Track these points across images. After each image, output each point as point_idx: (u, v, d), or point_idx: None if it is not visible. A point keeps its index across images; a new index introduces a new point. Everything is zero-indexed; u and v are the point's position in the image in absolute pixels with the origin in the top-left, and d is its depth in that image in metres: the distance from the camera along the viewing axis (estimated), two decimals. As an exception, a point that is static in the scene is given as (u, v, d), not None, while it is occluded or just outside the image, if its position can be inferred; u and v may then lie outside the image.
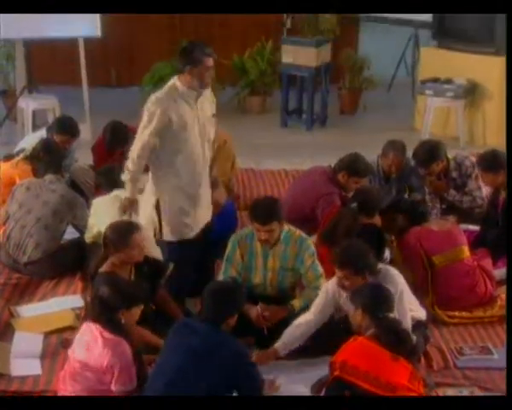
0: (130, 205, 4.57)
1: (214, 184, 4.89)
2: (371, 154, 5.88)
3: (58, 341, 4.44)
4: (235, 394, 3.61)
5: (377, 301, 3.79)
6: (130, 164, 4.50)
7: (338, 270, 4.11)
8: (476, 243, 5.24)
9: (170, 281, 4.59)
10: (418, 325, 4.27)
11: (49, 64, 9.33)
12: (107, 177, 5.28)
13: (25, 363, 4.22)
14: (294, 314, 4.32)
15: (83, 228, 5.22)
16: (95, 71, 8.69)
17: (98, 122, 7.01)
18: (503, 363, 3.96)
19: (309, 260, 4.48)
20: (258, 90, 9.32)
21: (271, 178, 7.01)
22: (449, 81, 7.99)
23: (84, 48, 7.94)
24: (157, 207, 4.59)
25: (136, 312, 3.87)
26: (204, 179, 4.69)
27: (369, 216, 4.87)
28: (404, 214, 4.96)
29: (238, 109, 9.32)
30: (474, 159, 5.83)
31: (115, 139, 6.15)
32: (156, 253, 4.66)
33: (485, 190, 5.75)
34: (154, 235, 4.80)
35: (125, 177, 4.53)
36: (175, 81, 4.50)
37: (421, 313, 4.40)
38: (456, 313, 4.71)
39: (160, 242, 4.71)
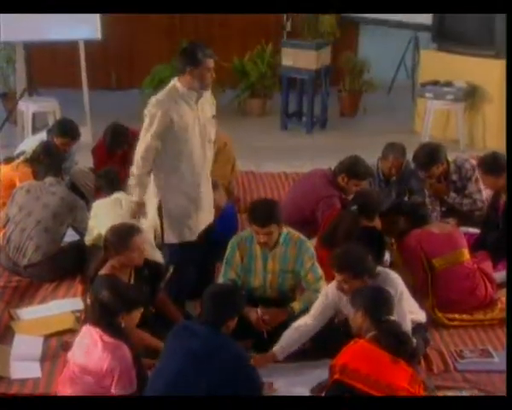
0: (139, 209, 4.57)
1: (214, 187, 4.90)
2: (371, 156, 5.88)
3: (58, 344, 4.43)
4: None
5: (378, 303, 3.78)
6: (134, 168, 4.49)
7: (337, 273, 4.11)
8: (476, 245, 5.23)
9: (170, 284, 4.59)
10: (418, 327, 4.27)
11: (49, 67, 9.33)
12: (108, 179, 5.29)
13: (25, 366, 4.21)
14: (294, 317, 4.32)
15: (83, 231, 5.22)
16: (95, 73, 8.70)
17: (98, 125, 7.01)
18: (504, 366, 3.94)
19: (309, 263, 4.48)
20: (258, 92, 9.33)
21: (271, 180, 7.02)
22: (449, 84, 8.00)
23: (84, 50, 7.95)
24: (159, 209, 4.59)
25: (136, 315, 3.87)
26: (205, 181, 4.69)
27: (369, 219, 4.87)
28: (406, 217, 4.96)
29: (238, 112, 9.33)
30: (474, 162, 5.83)
31: (116, 141, 6.16)
32: (157, 256, 4.67)
33: (486, 193, 5.75)
34: (155, 237, 4.81)
35: (131, 182, 4.54)
36: (175, 82, 4.50)
37: (421, 316, 4.40)
38: (457, 316, 4.70)
39: (161, 244, 4.71)
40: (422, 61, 8.76)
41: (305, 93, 8.75)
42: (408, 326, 4.05)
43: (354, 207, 4.88)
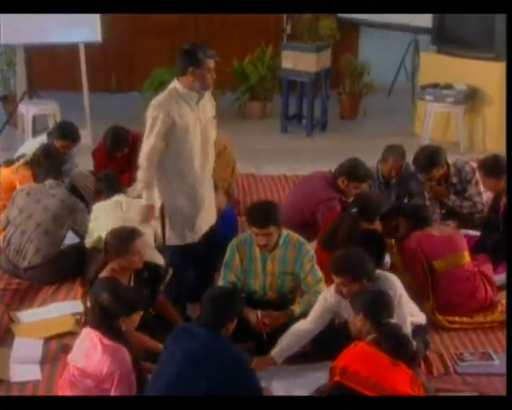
0: (150, 211, 4.55)
1: (214, 190, 4.89)
2: (371, 159, 5.88)
3: (58, 346, 4.43)
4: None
5: (378, 306, 3.78)
6: (140, 173, 4.49)
7: (335, 277, 4.10)
8: (476, 248, 5.23)
9: (169, 286, 4.59)
10: (418, 330, 4.26)
11: (49, 69, 9.34)
12: (108, 182, 5.28)
13: (24, 369, 4.21)
14: (294, 319, 4.31)
15: (83, 233, 5.22)
16: (95, 76, 8.70)
17: (98, 127, 7.01)
18: (504, 369, 3.94)
19: (308, 265, 4.47)
20: (258, 95, 9.33)
21: (271, 183, 7.02)
22: (449, 87, 8.00)
23: (84, 53, 7.95)
24: (161, 211, 4.59)
25: (136, 318, 3.87)
26: (207, 181, 4.69)
27: (369, 221, 4.86)
28: (406, 219, 4.96)
29: (238, 115, 9.33)
30: (474, 164, 5.83)
31: (116, 144, 6.16)
32: (157, 258, 4.66)
33: (486, 196, 5.76)
34: (156, 240, 4.81)
35: (139, 186, 4.53)
36: (175, 84, 4.50)
37: (421, 318, 4.40)
38: (457, 319, 4.70)
39: (162, 246, 4.70)
40: (422, 63, 8.76)
41: (305, 96, 8.75)
42: (408, 328, 4.05)
43: (354, 210, 4.87)
